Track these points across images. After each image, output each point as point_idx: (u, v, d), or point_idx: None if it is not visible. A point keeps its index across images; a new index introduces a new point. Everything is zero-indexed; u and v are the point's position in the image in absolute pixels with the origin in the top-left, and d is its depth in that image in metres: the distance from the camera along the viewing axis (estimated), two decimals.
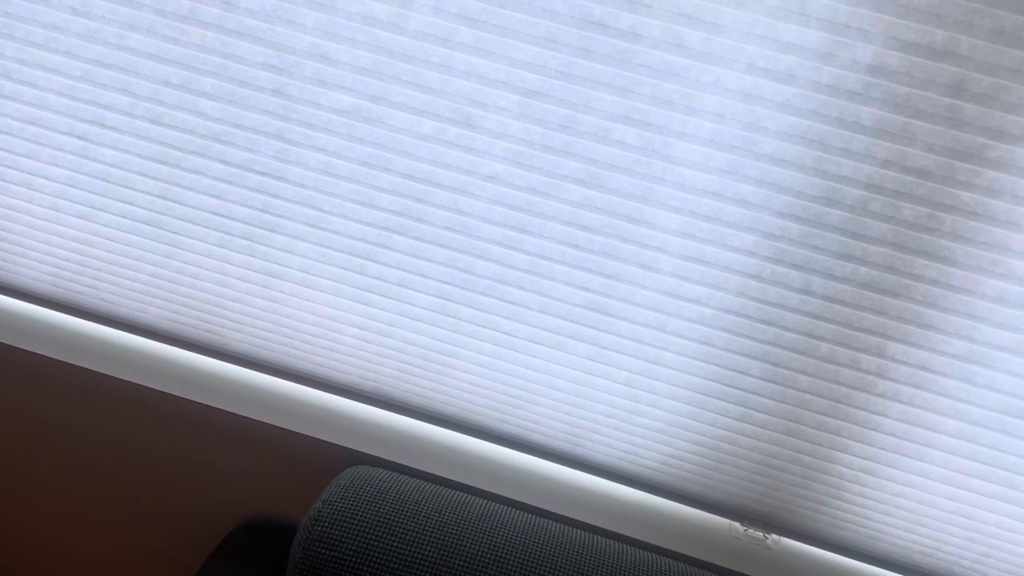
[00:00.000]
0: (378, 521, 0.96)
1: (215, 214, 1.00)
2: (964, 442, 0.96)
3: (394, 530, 0.95)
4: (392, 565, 0.93)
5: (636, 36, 0.83)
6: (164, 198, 1.00)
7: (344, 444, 1.07)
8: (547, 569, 0.95)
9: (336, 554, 0.93)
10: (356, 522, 0.95)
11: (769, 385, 0.97)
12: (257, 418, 1.07)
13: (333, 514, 0.96)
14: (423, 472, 1.07)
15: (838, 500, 1.03)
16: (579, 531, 1.02)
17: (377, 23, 0.87)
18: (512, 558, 0.95)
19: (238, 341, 1.09)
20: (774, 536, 1.08)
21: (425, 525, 0.96)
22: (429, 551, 0.94)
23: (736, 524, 1.08)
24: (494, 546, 0.96)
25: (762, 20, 0.80)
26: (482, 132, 0.90)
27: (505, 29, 0.85)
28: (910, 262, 0.88)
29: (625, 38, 0.83)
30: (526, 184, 0.92)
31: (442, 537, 0.95)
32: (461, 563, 0.94)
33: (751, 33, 0.81)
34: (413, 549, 0.94)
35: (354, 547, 0.94)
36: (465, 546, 0.95)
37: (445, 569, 0.93)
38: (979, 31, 0.78)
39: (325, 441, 1.07)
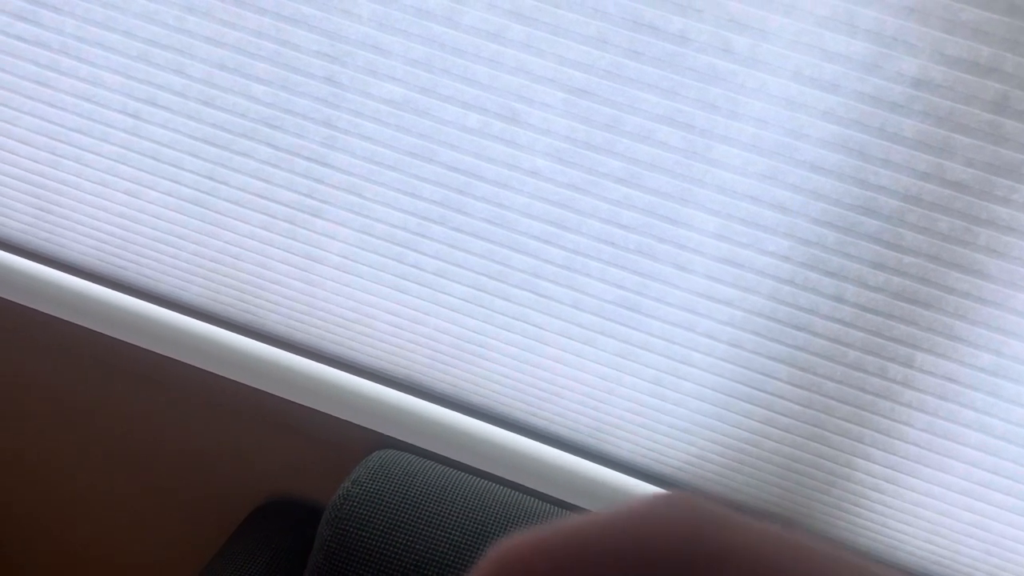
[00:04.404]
0: (405, 503, 0.98)
1: (260, 197, 1.02)
2: (986, 455, 0.97)
3: (420, 513, 0.97)
4: (417, 547, 0.95)
5: (685, 40, 0.85)
6: (211, 179, 1.03)
7: (371, 427, 1.09)
8: None
9: (364, 533, 0.95)
10: (384, 503, 0.97)
11: (795, 390, 0.99)
12: (288, 397, 1.09)
13: (362, 494, 0.98)
14: (447, 458, 1.09)
15: (857, 507, 1.04)
16: None
17: (431, 16, 0.89)
18: None
19: (274, 322, 1.11)
20: None
21: (450, 510, 0.98)
22: (454, 535, 0.96)
23: None
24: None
25: (810, 29, 0.82)
26: (527, 128, 0.92)
27: (556, 28, 0.87)
28: (943, 274, 0.89)
29: (674, 41, 0.85)
30: (567, 181, 0.94)
31: (466, 522, 0.97)
32: (485, 548, 0.96)
33: (798, 41, 0.82)
34: (438, 532, 0.96)
35: (381, 527, 0.96)
36: (489, 532, 0.97)
37: (469, 553, 0.95)
38: None
39: (353, 423, 1.09)
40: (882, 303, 0.92)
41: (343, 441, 1.12)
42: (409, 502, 0.98)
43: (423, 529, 0.96)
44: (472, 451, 1.10)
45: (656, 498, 0.17)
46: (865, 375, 0.96)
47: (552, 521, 0.18)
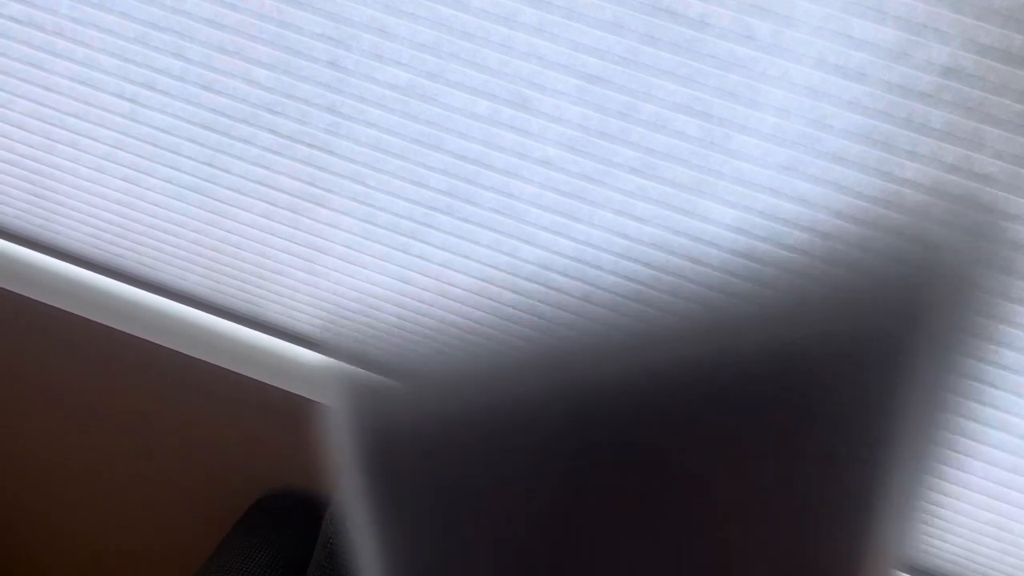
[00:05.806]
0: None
1: (261, 184, 0.99)
2: (1007, 454, 0.95)
3: None
4: None
5: (705, 25, 0.81)
6: (211, 165, 1.00)
7: None
8: None
9: None
10: None
11: None
12: (289, 389, 1.08)
13: None
14: None
15: None
16: None
17: None
18: None
19: (276, 312, 1.09)
20: None
21: None
22: None
23: None
24: None
25: (837, 15, 0.78)
26: (538, 115, 0.89)
27: (570, 11, 0.84)
28: None
29: (693, 26, 0.82)
30: (579, 170, 0.91)
31: None
32: None
33: (824, 28, 0.79)
34: None
35: None
36: None
37: None
38: None
39: None
40: None
41: None
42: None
43: None
44: None
45: None
46: None
47: None
